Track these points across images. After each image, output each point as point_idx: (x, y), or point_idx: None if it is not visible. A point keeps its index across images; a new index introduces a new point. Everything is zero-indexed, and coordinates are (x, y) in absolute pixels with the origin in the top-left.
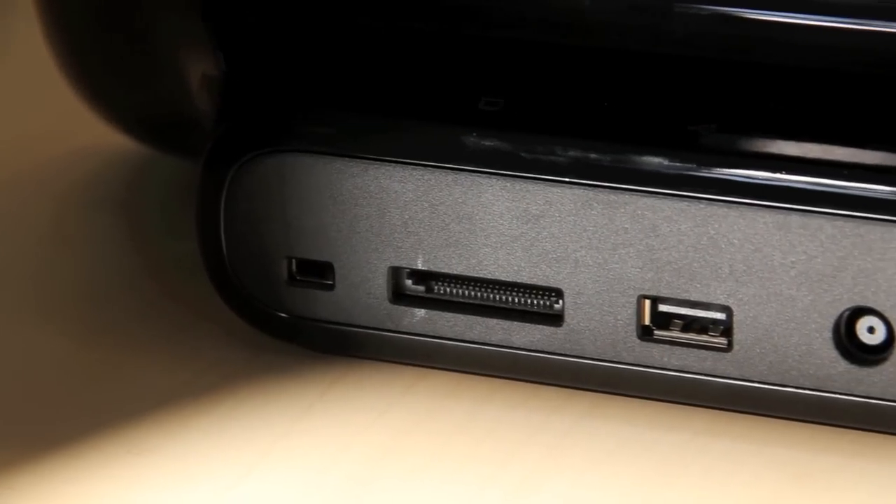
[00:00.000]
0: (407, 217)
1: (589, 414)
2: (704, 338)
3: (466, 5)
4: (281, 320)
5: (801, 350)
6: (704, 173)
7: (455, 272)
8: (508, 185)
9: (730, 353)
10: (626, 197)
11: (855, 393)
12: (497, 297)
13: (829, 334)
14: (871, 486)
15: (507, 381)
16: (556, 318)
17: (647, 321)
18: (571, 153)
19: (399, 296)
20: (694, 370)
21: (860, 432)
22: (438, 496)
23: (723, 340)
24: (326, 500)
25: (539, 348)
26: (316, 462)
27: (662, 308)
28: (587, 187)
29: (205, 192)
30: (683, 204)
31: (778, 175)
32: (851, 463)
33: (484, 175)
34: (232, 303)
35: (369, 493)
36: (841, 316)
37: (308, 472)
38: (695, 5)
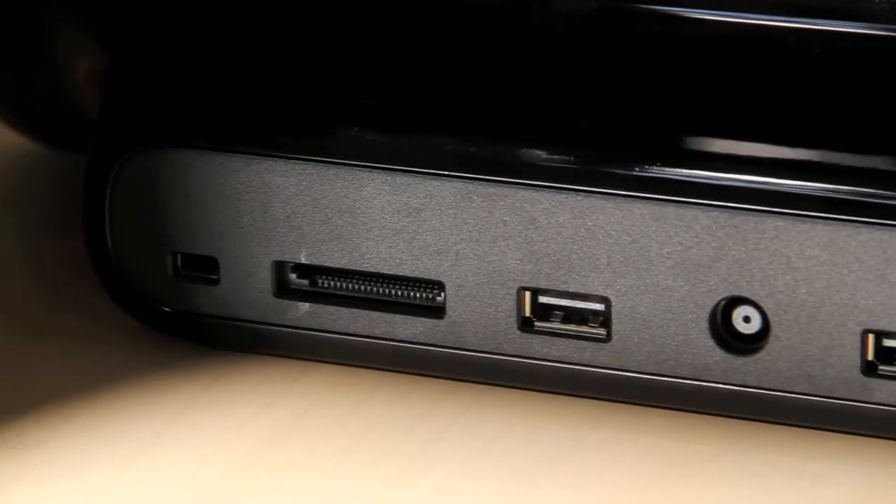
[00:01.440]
0: (290, 211)
1: (471, 405)
2: (584, 328)
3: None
4: (166, 315)
5: (678, 340)
6: (581, 166)
7: (338, 266)
8: (389, 178)
9: (608, 344)
10: (505, 190)
11: (731, 382)
12: (380, 290)
13: (705, 324)
14: (744, 475)
15: (391, 373)
16: (438, 311)
17: (527, 313)
18: (450, 147)
19: (283, 290)
20: (573, 361)
21: (736, 421)
22: (317, 490)
23: (602, 331)
24: (203, 495)
25: (421, 341)
26: (196, 456)
27: (542, 300)
28: (466, 180)
29: (90, 188)
30: (561, 196)
31: (653, 167)
32: (726, 451)
33: (365, 169)
34: (117, 298)
35: (247, 487)
36: (717, 305)
37: (187, 467)
38: None
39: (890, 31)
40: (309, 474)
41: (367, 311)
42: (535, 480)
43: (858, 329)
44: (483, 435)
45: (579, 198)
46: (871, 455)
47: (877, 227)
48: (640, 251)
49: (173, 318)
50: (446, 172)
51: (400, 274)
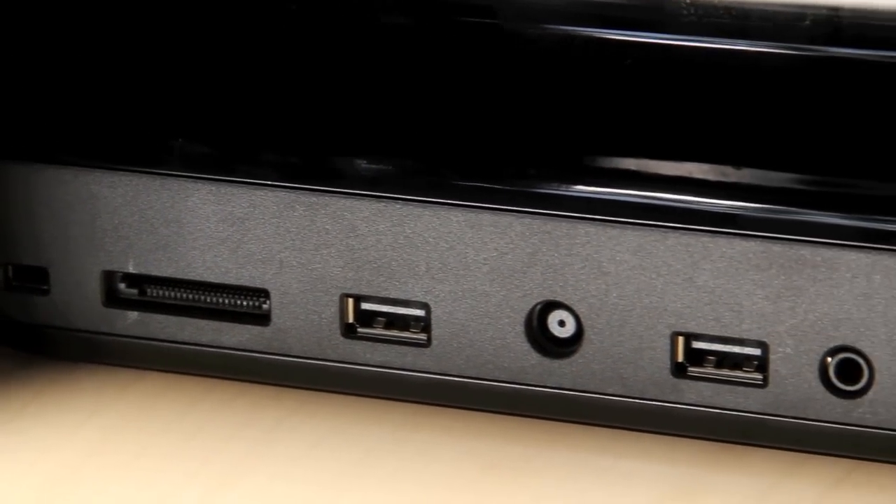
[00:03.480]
0: (117, 222)
1: (296, 410)
2: (405, 334)
3: (166, 17)
4: None
5: (495, 344)
6: (399, 175)
7: (165, 275)
8: (213, 189)
9: (429, 349)
10: (326, 199)
11: (547, 384)
12: (206, 298)
13: (521, 328)
14: (558, 474)
15: (219, 380)
16: (263, 318)
17: (350, 319)
18: (272, 157)
19: (112, 299)
20: (395, 366)
21: (552, 422)
22: (142, 492)
23: (422, 336)
24: (32, 499)
25: (248, 347)
26: (25, 462)
27: (365, 306)
28: (288, 190)
29: None
30: (381, 205)
31: (468, 175)
32: (541, 452)
33: (190, 180)
34: None
35: (74, 491)
36: (532, 310)
37: (15, 473)
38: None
39: (695, 41)
40: (134, 478)
41: (195, 320)
42: (354, 482)
43: (668, 332)
44: (306, 438)
45: (398, 206)
46: (680, 454)
47: (683, 231)
48: (458, 258)
49: (4, 327)
50: (269, 182)
51: (226, 282)
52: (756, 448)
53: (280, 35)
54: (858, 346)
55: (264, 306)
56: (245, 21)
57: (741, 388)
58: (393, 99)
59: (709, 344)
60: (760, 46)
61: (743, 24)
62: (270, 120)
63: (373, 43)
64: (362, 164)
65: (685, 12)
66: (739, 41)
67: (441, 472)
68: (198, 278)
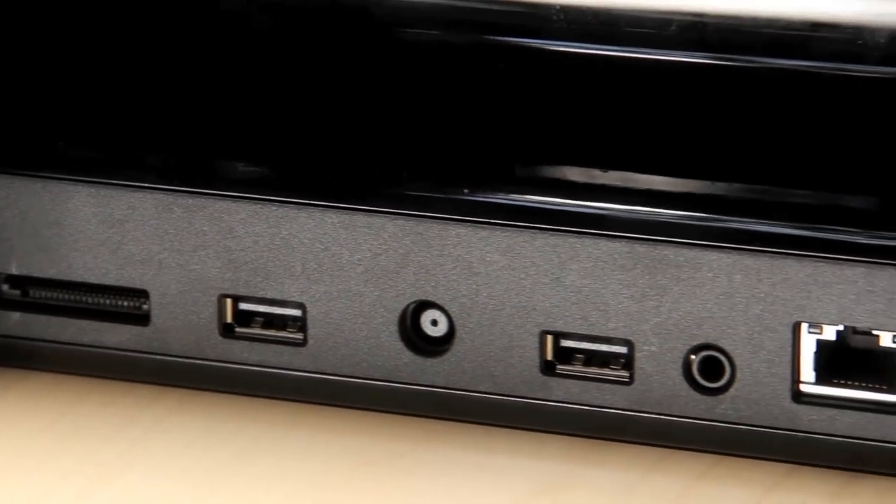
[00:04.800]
0: (0, 224)
1: (175, 409)
2: (282, 333)
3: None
4: None
5: (370, 343)
6: (275, 177)
7: (47, 276)
8: (94, 191)
9: (305, 348)
10: (203, 201)
11: (420, 382)
12: (87, 299)
13: (395, 327)
14: (431, 470)
15: (100, 380)
16: (143, 318)
17: (228, 319)
18: (151, 159)
19: None
20: (272, 365)
21: (425, 419)
22: (16, 493)
23: (299, 336)
24: None
25: (128, 347)
26: None
27: (242, 306)
28: (167, 192)
29: None
30: (257, 206)
31: (342, 177)
32: (415, 449)
33: (70, 182)
34: None
35: None
36: (406, 310)
37: None
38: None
39: (565, 46)
40: (12, 477)
41: (76, 320)
42: (228, 479)
43: (537, 330)
44: (184, 437)
45: (274, 208)
46: (550, 450)
47: (551, 233)
48: (333, 258)
49: None
50: (147, 185)
51: (106, 283)
52: (623, 444)
53: (157, 37)
54: (720, 343)
55: (144, 307)
56: (121, 25)
57: (608, 386)
58: (268, 102)
59: (577, 342)
60: (628, 52)
61: (611, 30)
62: (149, 123)
63: (246, 45)
64: (239, 166)
65: (555, 18)
66: (608, 46)
67: (316, 469)
68: (79, 279)
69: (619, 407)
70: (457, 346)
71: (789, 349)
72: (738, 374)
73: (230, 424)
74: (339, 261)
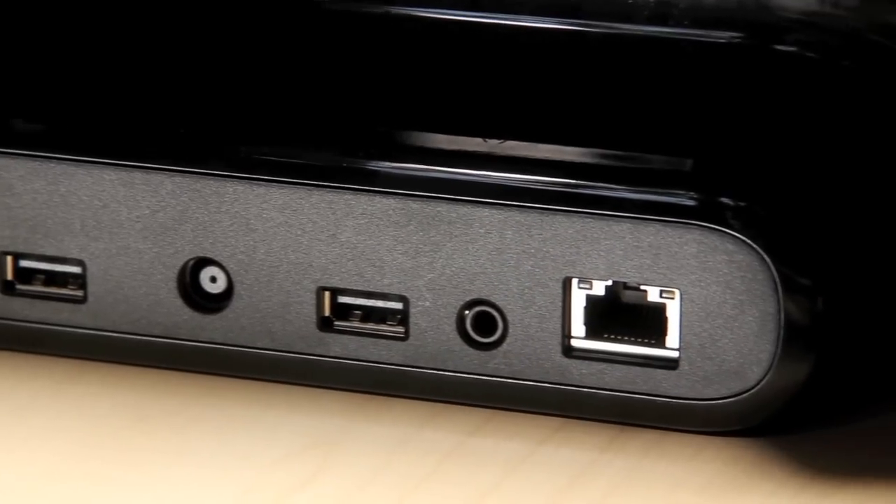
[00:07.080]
0: None
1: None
2: (63, 290)
3: None
4: None
5: (149, 300)
6: (53, 133)
7: None
8: None
9: (85, 305)
10: None
11: (199, 339)
12: None
13: (174, 284)
14: (204, 427)
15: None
16: None
17: (9, 277)
18: None
19: None
20: (53, 322)
21: (205, 376)
22: None
23: (79, 293)
24: None
25: None
26: None
27: (23, 263)
28: None
29: None
30: (35, 163)
31: (121, 135)
32: (193, 404)
33: None
34: None
35: None
36: (185, 266)
37: None
38: None
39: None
40: None
41: None
42: (1, 437)
43: (314, 287)
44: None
45: (52, 165)
46: (326, 405)
47: (327, 189)
48: (112, 215)
49: None
50: None
51: None
52: (399, 399)
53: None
54: (493, 299)
55: None
56: None
57: (384, 341)
58: (45, 56)
59: (353, 298)
60: (437, 13)
61: None
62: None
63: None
64: (18, 122)
65: None
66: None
67: (92, 424)
68: None
69: (395, 362)
70: (235, 303)
71: (560, 304)
72: (511, 330)
73: (9, 382)
74: (118, 218)
